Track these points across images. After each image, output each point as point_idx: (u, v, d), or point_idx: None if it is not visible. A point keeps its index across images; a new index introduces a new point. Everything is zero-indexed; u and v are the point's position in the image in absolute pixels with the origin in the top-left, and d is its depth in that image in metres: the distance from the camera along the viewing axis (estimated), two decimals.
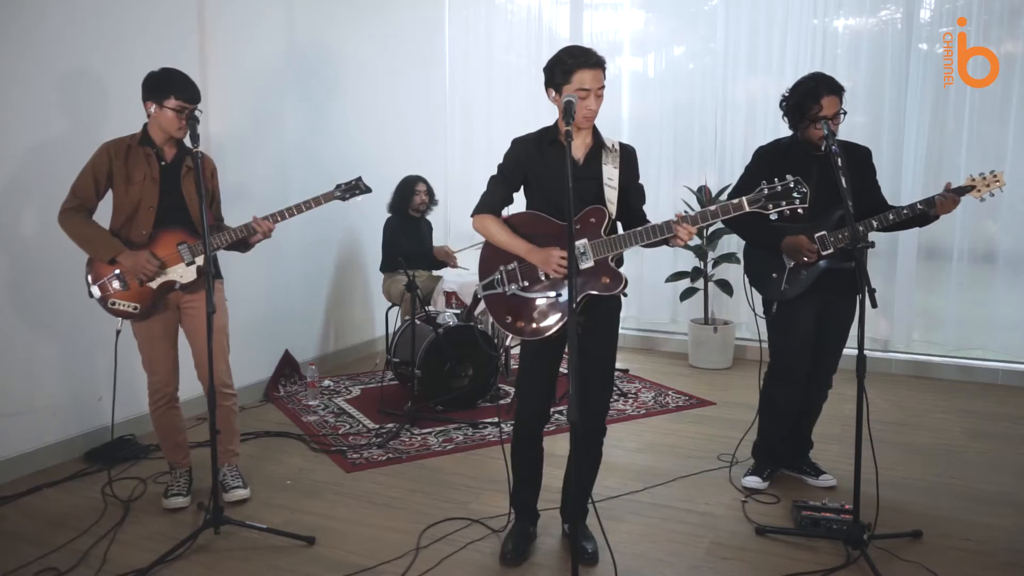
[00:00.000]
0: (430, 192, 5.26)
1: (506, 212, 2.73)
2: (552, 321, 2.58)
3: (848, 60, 5.33)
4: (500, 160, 2.70)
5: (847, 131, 5.22)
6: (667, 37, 5.96)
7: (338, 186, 3.21)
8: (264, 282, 4.77)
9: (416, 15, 6.25)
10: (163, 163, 3.05)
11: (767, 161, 3.13)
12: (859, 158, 2.99)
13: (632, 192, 2.69)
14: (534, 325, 2.60)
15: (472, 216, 2.68)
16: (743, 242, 3.38)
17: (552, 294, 2.58)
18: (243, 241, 3.11)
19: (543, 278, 2.60)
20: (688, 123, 5.84)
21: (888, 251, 5.25)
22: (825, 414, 3.50)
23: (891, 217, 3.00)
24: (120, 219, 3.03)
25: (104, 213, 3.08)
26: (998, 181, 2.97)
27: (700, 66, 5.84)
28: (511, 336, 2.68)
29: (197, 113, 2.98)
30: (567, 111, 2.41)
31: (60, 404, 3.67)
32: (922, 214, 3.00)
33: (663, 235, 2.50)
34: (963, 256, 5.10)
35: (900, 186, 5.12)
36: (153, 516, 3.12)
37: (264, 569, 2.72)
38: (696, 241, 5.38)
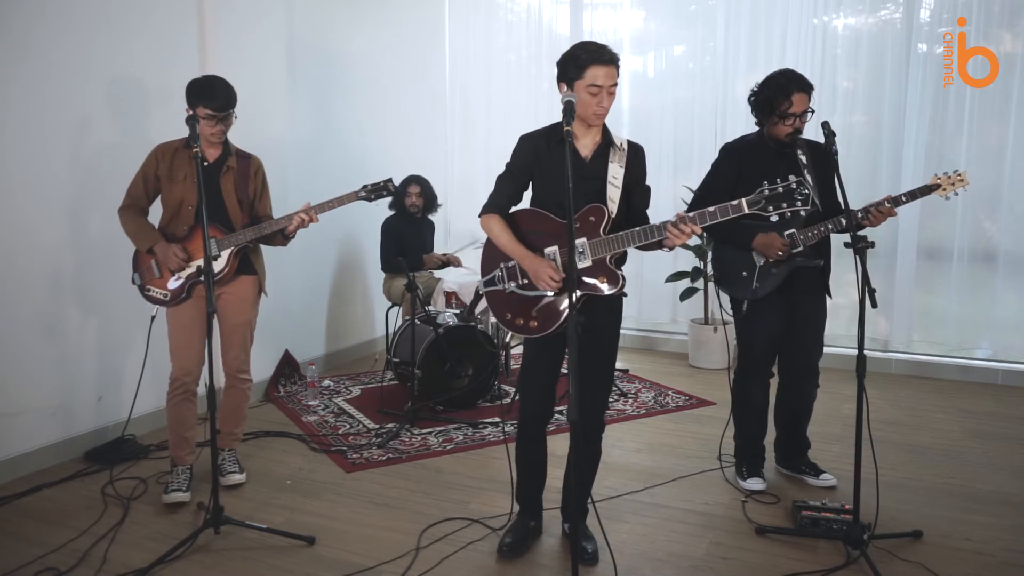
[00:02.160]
0: (425, 194, 5.23)
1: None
2: (552, 319, 2.58)
3: (848, 60, 5.33)
4: (506, 158, 2.70)
5: (847, 130, 5.27)
6: (667, 36, 5.96)
7: (364, 186, 3.21)
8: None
9: (416, 15, 6.24)
10: (205, 163, 3.16)
11: (735, 158, 3.16)
12: (827, 158, 2.99)
13: (636, 192, 2.67)
14: (533, 323, 2.60)
15: (480, 216, 2.69)
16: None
17: (549, 293, 2.58)
18: (272, 236, 3.22)
19: None
20: (688, 122, 5.84)
21: (888, 251, 5.25)
22: (825, 414, 3.51)
23: (833, 225, 3.03)
24: (167, 216, 3.23)
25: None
26: (962, 180, 3.03)
27: (700, 65, 5.83)
28: (511, 335, 2.69)
29: (232, 119, 3.13)
30: (567, 111, 2.40)
31: (60, 404, 3.66)
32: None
33: (662, 235, 2.49)
34: (963, 256, 5.09)
35: (900, 187, 5.12)
36: (153, 516, 3.12)
37: (264, 569, 2.72)
38: (696, 241, 5.38)
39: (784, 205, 2.39)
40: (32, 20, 3.46)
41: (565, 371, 2.85)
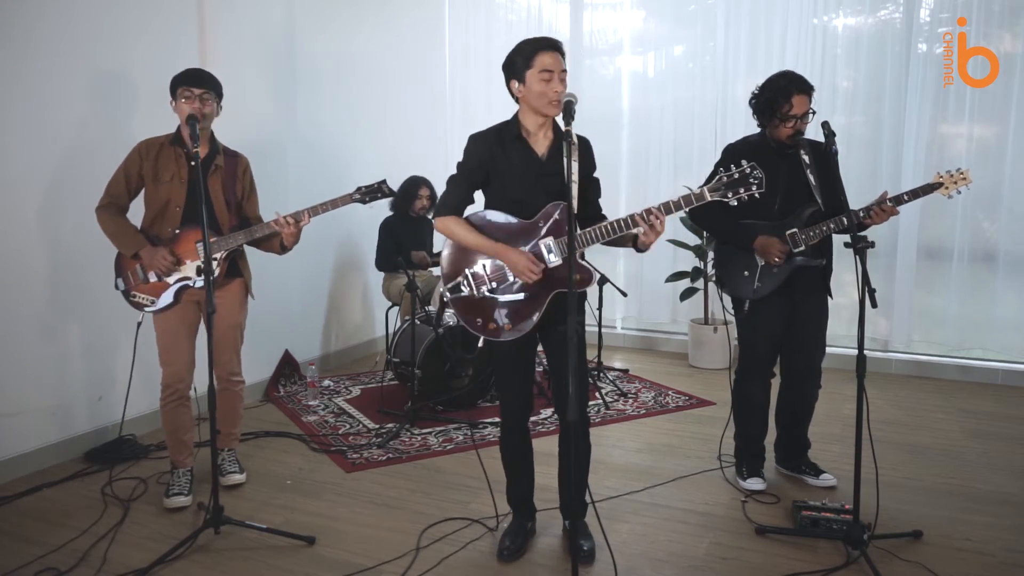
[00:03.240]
0: (432, 198, 5.25)
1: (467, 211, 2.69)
2: (525, 321, 2.57)
3: (848, 60, 5.33)
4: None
5: (847, 130, 5.27)
6: (667, 36, 5.96)
7: (359, 188, 3.16)
8: (264, 282, 4.72)
9: (416, 15, 6.25)
10: (192, 163, 3.07)
11: (736, 159, 3.15)
12: (828, 158, 2.99)
13: (587, 185, 2.67)
14: (508, 325, 2.59)
15: (433, 219, 2.68)
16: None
17: (523, 295, 2.57)
18: (267, 239, 3.17)
19: (510, 278, 2.59)
20: (688, 122, 5.84)
21: (888, 251, 5.25)
22: (825, 414, 3.50)
23: (835, 225, 3.05)
24: (150, 216, 3.14)
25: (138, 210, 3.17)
26: (964, 179, 3.05)
27: (700, 65, 5.83)
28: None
29: (210, 103, 3.07)
30: (567, 111, 2.39)
31: (60, 404, 3.67)
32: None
33: (629, 228, 2.48)
34: (963, 256, 5.10)
35: (901, 187, 5.12)
36: (153, 516, 3.12)
37: (264, 569, 2.72)
38: (696, 241, 5.39)
39: (741, 190, 2.46)
40: (33, 20, 3.47)
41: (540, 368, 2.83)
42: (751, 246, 3.12)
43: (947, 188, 3.05)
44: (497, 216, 2.60)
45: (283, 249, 3.21)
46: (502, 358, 2.73)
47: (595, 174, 2.74)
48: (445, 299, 2.73)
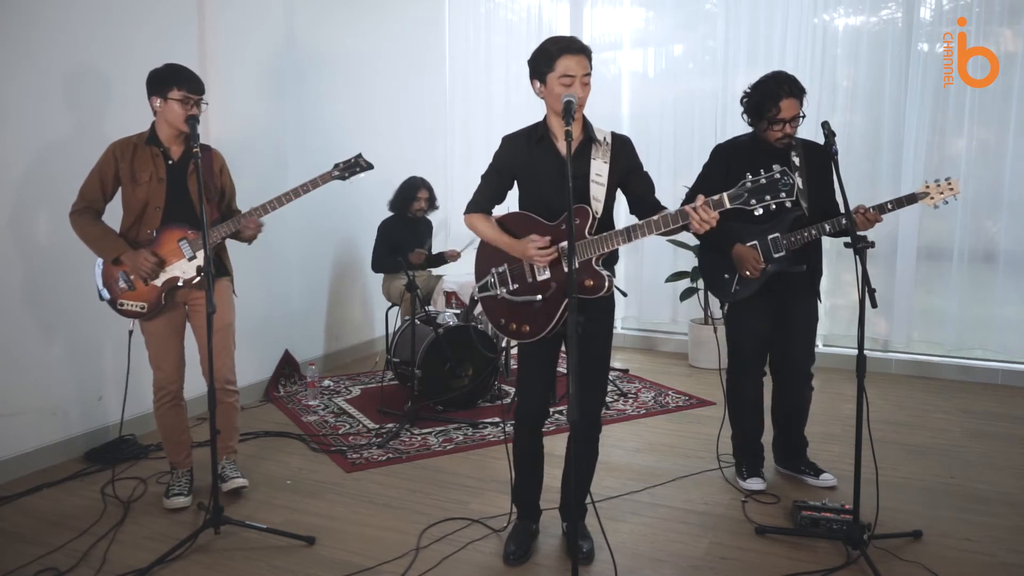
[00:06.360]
0: (431, 199, 5.24)
1: (497, 212, 2.71)
2: (544, 323, 2.57)
3: (848, 60, 5.33)
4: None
5: (847, 129, 5.27)
6: (667, 36, 5.97)
7: (336, 165, 3.07)
8: (264, 282, 4.76)
9: (416, 15, 6.25)
10: (170, 162, 3.04)
11: (724, 159, 3.15)
12: (825, 158, 2.95)
13: (634, 181, 2.62)
14: (527, 328, 2.60)
15: (464, 215, 2.69)
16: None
17: (539, 297, 2.57)
18: (238, 233, 3.11)
19: (529, 280, 2.59)
20: (688, 122, 5.84)
21: (888, 251, 5.25)
22: (825, 414, 3.49)
23: (828, 228, 3.02)
24: (129, 219, 3.06)
25: (116, 213, 3.09)
26: (952, 189, 2.98)
27: (700, 65, 5.84)
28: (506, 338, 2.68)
29: (202, 106, 2.98)
30: (566, 111, 2.38)
31: (60, 404, 3.67)
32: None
33: (641, 235, 2.42)
34: (963, 256, 5.09)
35: (900, 187, 5.12)
36: (153, 516, 3.12)
37: (264, 569, 2.72)
38: (695, 241, 5.38)
39: (768, 197, 2.27)
40: (32, 20, 3.46)
41: (563, 371, 2.85)
42: (730, 252, 3.08)
43: (932, 198, 2.98)
44: (526, 217, 2.61)
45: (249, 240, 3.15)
46: (524, 360, 2.72)
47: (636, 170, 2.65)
48: (475, 296, 2.74)
